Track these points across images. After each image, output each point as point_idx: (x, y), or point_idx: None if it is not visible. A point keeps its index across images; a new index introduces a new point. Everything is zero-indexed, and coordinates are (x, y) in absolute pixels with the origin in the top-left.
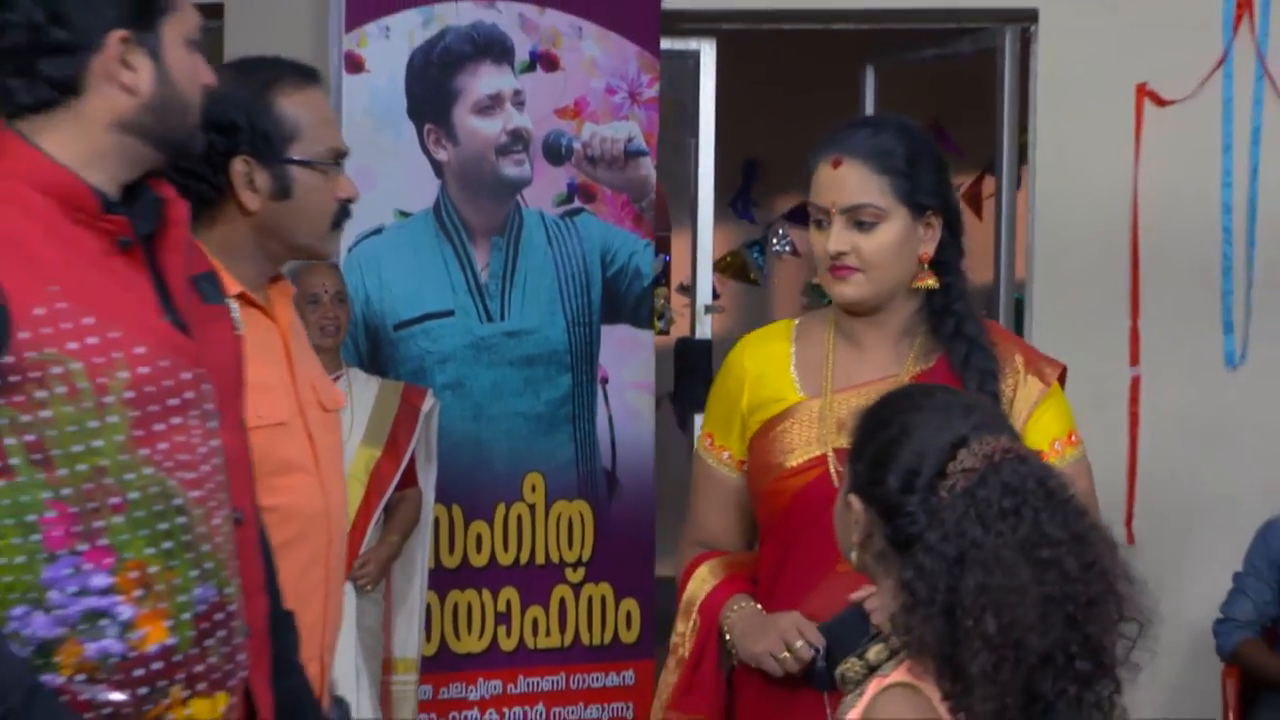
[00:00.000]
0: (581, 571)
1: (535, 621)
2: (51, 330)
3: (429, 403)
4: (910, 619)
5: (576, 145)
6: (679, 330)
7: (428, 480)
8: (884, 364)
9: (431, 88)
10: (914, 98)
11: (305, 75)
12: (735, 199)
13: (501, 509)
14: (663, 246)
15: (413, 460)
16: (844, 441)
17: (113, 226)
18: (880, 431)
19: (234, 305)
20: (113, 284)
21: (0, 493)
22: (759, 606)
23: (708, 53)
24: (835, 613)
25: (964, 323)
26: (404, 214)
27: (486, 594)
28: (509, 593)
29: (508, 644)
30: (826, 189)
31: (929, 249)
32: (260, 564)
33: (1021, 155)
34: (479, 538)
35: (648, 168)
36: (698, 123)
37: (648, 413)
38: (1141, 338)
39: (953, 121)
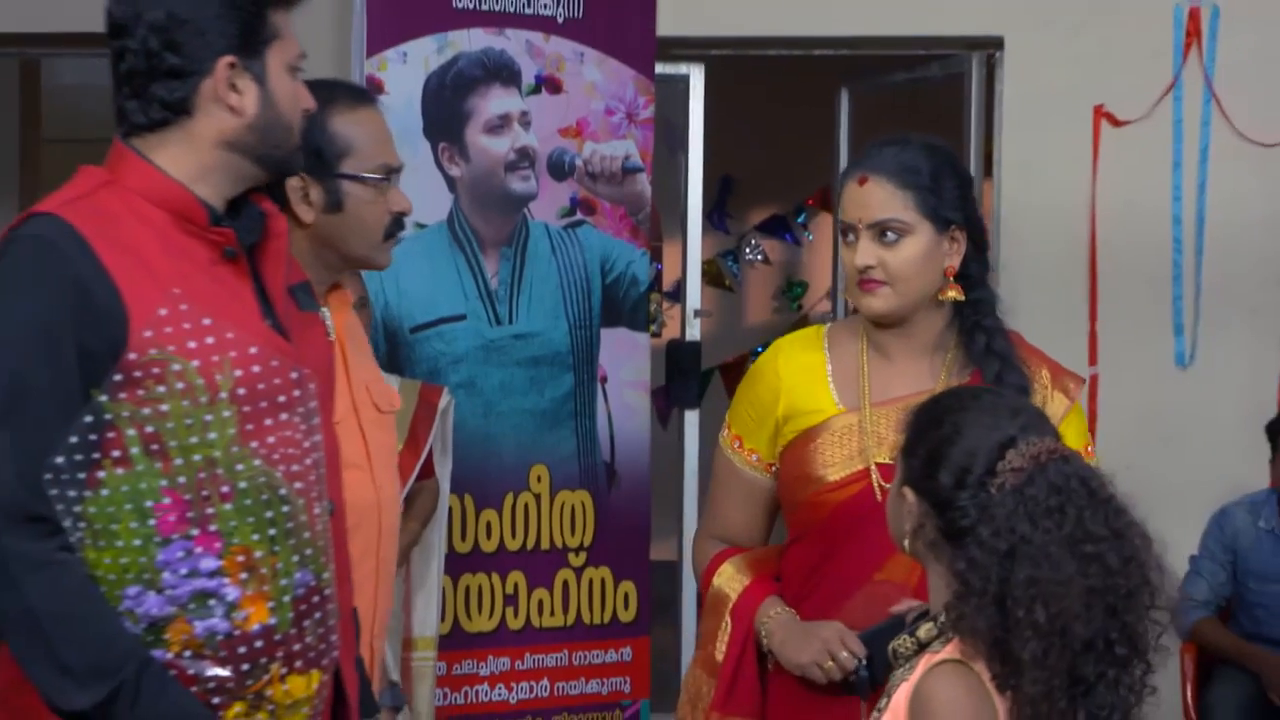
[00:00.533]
0: (583, 556)
1: (540, 602)
2: (173, 330)
3: (445, 400)
4: (963, 606)
5: (578, 162)
6: (667, 333)
7: (444, 472)
8: (918, 378)
9: (445, 109)
10: (886, 119)
11: (359, 96)
12: (711, 211)
13: (510, 498)
14: (655, 256)
15: (430, 453)
16: (885, 456)
17: (220, 238)
18: (933, 430)
19: (327, 313)
20: (221, 290)
21: (119, 480)
22: (794, 612)
23: (697, 76)
24: (872, 620)
25: (994, 339)
26: (420, 226)
27: (496, 577)
28: (516, 576)
29: (515, 623)
30: (853, 206)
31: (954, 262)
32: (347, 554)
33: (987, 171)
34: (489, 525)
35: (643, 183)
36: (687, 141)
37: (643, 410)
38: (1099, 340)
39: None
